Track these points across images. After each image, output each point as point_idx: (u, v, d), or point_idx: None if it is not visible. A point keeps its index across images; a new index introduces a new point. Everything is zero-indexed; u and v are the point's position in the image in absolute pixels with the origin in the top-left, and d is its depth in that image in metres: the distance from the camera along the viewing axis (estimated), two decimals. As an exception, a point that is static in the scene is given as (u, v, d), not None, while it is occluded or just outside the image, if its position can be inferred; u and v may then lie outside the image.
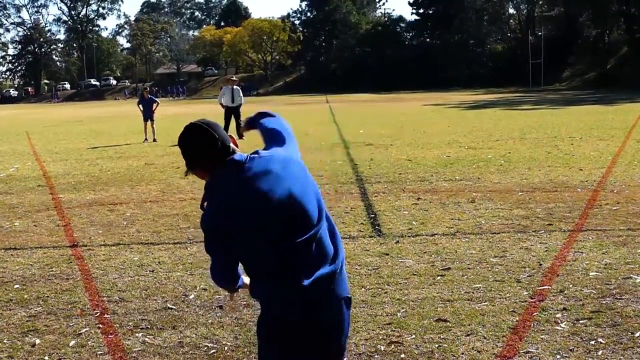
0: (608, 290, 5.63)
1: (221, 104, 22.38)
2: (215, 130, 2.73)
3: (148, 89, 25.55)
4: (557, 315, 5.10)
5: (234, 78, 23.71)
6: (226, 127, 21.82)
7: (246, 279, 2.94)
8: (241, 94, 22.35)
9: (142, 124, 22.56)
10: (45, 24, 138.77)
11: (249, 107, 44.94)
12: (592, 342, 4.60)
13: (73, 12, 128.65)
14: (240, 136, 24.56)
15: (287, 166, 2.75)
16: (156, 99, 23.37)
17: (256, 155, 2.77)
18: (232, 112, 21.92)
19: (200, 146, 2.70)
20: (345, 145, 18.34)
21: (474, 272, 6.24)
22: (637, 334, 4.72)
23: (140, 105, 22.73)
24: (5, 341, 4.99)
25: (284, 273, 2.68)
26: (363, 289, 5.87)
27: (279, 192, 2.67)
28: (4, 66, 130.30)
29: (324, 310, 2.72)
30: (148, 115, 22.22)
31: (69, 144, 22.40)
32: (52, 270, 6.79)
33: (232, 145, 2.78)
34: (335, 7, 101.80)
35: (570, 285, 5.78)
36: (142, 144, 21.16)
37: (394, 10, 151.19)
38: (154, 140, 21.69)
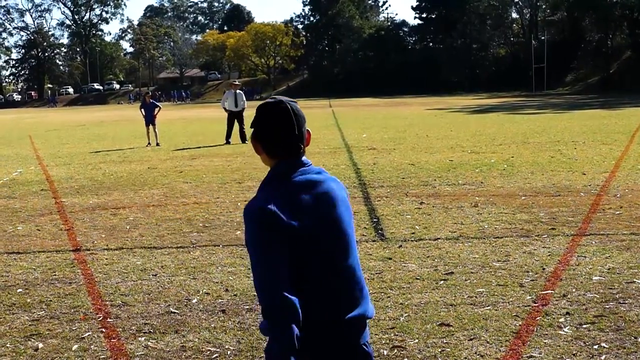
0: (611, 295, 5.62)
1: (224, 109, 22.44)
2: (298, 120, 2.58)
3: (150, 93, 25.81)
4: (560, 320, 5.09)
5: (237, 82, 23.78)
6: (229, 132, 21.89)
7: None
8: (244, 98, 22.40)
9: (144, 128, 22.75)
10: (49, 28, 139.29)
11: (250, 112, 45.11)
12: (596, 347, 4.59)
13: (76, 17, 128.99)
14: (244, 140, 24.54)
15: (340, 189, 2.66)
16: (158, 104, 23.56)
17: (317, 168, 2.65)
18: (235, 116, 21.98)
19: (274, 124, 2.54)
20: (348, 149, 18.35)
21: (477, 277, 6.23)
22: (640, 339, 4.70)
23: (142, 110, 22.91)
24: (8, 345, 4.99)
25: (321, 297, 2.50)
26: (366, 294, 5.86)
27: (336, 210, 2.56)
28: (7, 70, 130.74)
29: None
30: (150, 119, 22.40)
31: (72, 148, 22.44)
32: (55, 275, 6.79)
33: (304, 146, 2.62)
34: (338, 11, 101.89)
35: (574, 290, 5.77)
36: (145, 148, 21.23)
37: (396, 14, 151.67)
38: (157, 144, 21.78)
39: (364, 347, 2.62)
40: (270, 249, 2.40)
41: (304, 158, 2.61)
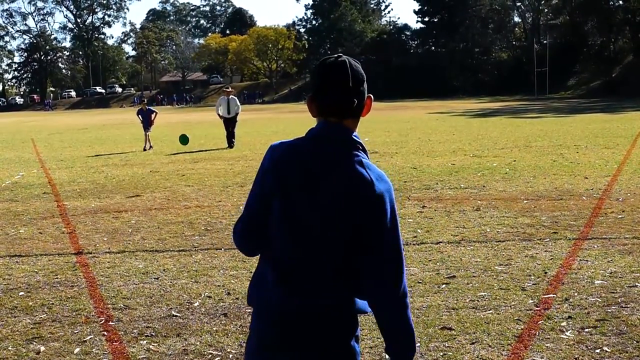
0: (613, 299, 5.61)
1: (218, 115, 22.65)
2: (355, 76, 2.35)
3: (146, 101, 26.98)
4: (562, 324, 5.08)
5: (229, 89, 23.89)
6: (228, 136, 22.07)
7: None
8: (238, 103, 22.62)
9: (143, 133, 23.21)
10: (51, 31, 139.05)
11: (253, 115, 44.68)
12: (598, 351, 4.59)
13: (79, 20, 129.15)
14: (231, 140, 24.56)
15: (357, 186, 2.31)
16: (154, 110, 24.09)
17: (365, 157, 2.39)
18: (229, 122, 22.18)
19: (325, 76, 2.34)
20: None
21: (479, 280, 6.23)
22: (642, 343, 4.69)
23: (140, 116, 23.42)
24: (10, 348, 4.99)
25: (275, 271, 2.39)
26: (368, 297, 5.85)
27: (334, 205, 2.31)
28: (10, 74, 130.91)
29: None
30: (146, 125, 22.92)
31: (74, 151, 22.48)
32: (57, 278, 6.80)
33: (364, 111, 2.42)
34: (340, 15, 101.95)
35: (576, 294, 5.76)
36: (147, 151, 21.42)
37: (399, 18, 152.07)
38: (144, 149, 22.07)
39: (349, 345, 2.38)
40: (257, 183, 2.43)
41: (355, 133, 2.38)
